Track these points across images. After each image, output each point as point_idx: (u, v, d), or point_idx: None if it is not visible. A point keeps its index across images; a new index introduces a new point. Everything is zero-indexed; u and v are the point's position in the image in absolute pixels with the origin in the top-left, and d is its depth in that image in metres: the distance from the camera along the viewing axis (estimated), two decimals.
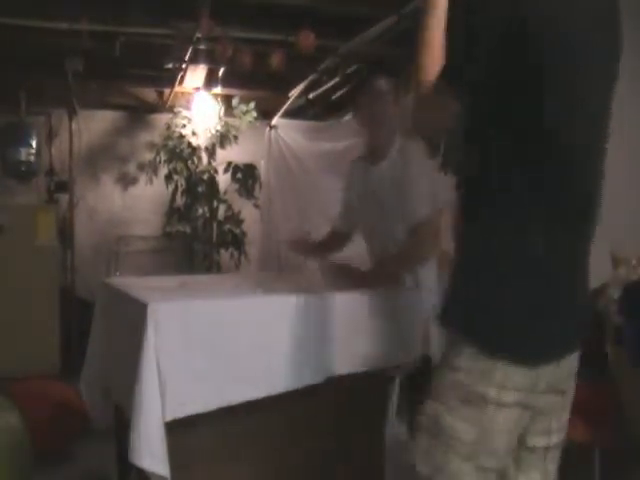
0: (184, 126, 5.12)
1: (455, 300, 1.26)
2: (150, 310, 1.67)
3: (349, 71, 4.39)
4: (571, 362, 1.28)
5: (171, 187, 5.05)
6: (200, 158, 5.14)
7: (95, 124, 5.50)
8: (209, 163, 5.14)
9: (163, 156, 5.03)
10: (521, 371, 1.17)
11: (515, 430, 1.22)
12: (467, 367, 1.19)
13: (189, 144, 5.09)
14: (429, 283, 2.40)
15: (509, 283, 1.19)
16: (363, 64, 3.15)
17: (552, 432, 1.30)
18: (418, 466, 1.23)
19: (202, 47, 4.10)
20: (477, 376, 1.18)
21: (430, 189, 2.22)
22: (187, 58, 4.24)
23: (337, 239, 2.65)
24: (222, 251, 5.16)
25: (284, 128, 5.18)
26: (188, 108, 5.17)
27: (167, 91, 5.26)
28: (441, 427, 1.21)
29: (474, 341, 1.19)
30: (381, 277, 2.28)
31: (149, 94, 5.44)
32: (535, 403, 1.22)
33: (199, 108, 5.10)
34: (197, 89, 5.03)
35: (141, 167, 5.49)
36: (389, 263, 2.33)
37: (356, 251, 2.65)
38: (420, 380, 2.35)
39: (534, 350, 1.20)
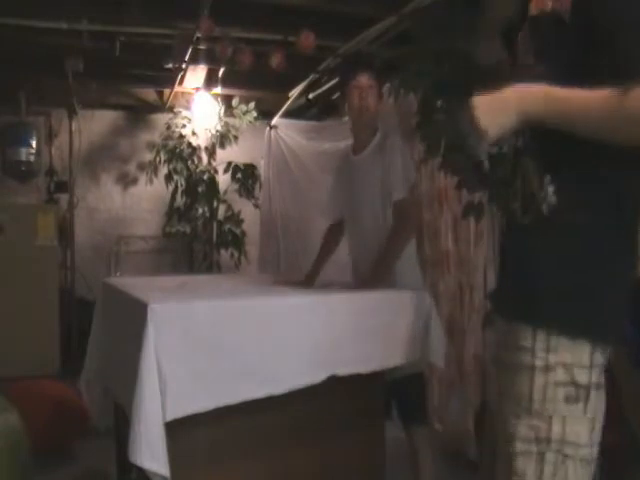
0: (184, 126, 5.12)
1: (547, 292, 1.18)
2: (150, 310, 1.67)
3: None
4: None
5: (171, 187, 5.06)
6: (200, 158, 5.14)
7: (95, 124, 5.50)
8: (209, 163, 5.14)
9: (163, 156, 5.03)
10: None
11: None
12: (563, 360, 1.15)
13: (189, 144, 5.10)
14: (414, 284, 2.44)
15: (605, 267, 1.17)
16: (348, 60, 3.17)
17: None
18: None
19: (202, 47, 4.09)
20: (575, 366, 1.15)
21: (406, 173, 2.40)
22: (187, 58, 4.24)
23: (335, 230, 2.70)
24: (222, 251, 5.16)
25: (284, 128, 5.18)
26: (188, 108, 5.18)
27: (167, 91, 5.26)
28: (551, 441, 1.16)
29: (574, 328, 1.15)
30: (383, 271, 2.31)
31: (149, 94, 5.44)
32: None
33: (199, 108, 5.10)
34: (197, 89, 5.03)
35: (141, 167, 5.49)
36: (385, 253, 2.34)
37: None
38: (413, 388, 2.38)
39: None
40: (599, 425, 1.19)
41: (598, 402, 1.17)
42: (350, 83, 2.46)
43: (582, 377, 1.15)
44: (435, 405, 3.30)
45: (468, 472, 2.85)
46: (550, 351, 1.15)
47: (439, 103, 2.57)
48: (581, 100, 1.08)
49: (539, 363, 1.15)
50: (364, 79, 2.44)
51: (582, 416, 1.15)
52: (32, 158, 4.88)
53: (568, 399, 1.15)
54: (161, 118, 5.45)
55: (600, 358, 1.17)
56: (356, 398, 2.13)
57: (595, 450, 1.19)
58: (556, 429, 1.14)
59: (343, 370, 1.99)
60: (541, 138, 1.17)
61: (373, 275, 2.31)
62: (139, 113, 5.65)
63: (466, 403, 3.11)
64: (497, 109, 1.15)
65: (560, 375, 1.15)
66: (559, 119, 1.10)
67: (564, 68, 1.15)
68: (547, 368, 1.15)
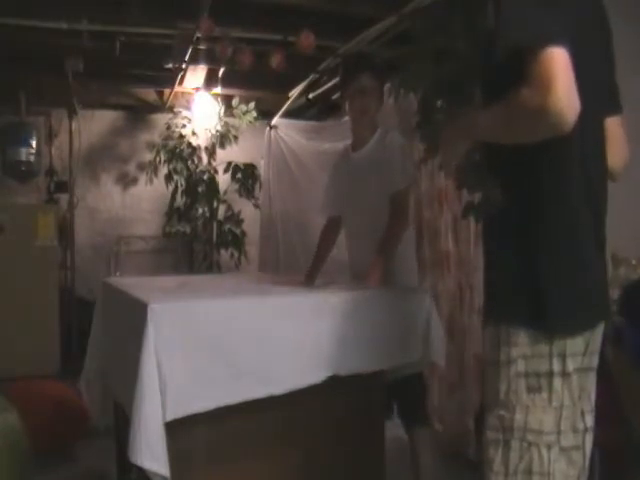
0: (184, 126, 5.12)
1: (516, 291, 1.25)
2: (150, 310, 1.67)
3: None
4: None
5: (171, 187, 5.06)
6: (200, 158, 5.14)
7: (95, 124, 5.50)
8: (209, 163, 5.14)
9: (163, 156, 5.03)
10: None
11: (579, 401, 1.24)
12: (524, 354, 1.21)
13: (189, 144, 5.09)
14: (411, 284, 2.47)
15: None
16: (349, 59, 3.17)
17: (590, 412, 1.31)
18: None
19: (202, 47, 4.09)
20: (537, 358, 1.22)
21: (404, 167, 2.43)
22: (187, 58, 4.24)
23: (332, 228, 2.70)
24: (222, 251, 5.16)
25: (284, 128, 5.18)
26: (188, 108, 5.17)
27: (167, 91, 5.26)
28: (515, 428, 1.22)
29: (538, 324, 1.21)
30: (382, 262, 2.32)
31: (149, 94, 5.44)
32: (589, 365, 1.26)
33: (199, 108, 5.10)
34: (197, 89, 5.03)
35: (141, 167, 5.49)
36: (383, 244, 2.35)
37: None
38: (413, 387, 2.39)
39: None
40: (572, 412, 1.23)
41: (566, 390, 1.22)
42: (351, 83, 2.47)
43: (542, 366, 1.21)
44: (435, 405, 3.30)
45: (468, 472, 2.85)
46: (511, 345, 1.23)
47: (439, 103, 2.57)
48: (488, 117, 1.22)
49: (503, 357, 1.24)
50: (365, 80, 2.44)
51: (547, 405, 1.21)
52: (32, 158, 4.88)
53: (530, 389, 1.22)
54: (161, 118, 5.45)
55: (564, 346, 1.21)
56: (356, 398, 2.13)
57: (571, 437, 1.23)
58: (519, 417, 1.22)
59: (343, 370, 1.99)
60: (487, 151, 1.33)
61: (372, 267, 2.30)
62: (139, 113, 5.65)
63: (466, 403, 3.11)
64: (450, 143, 1.40)
65: (520, 366, 1.22)
66: (485, 136, 1.27)
67: (486, 85, 1.35)
68: (509, 361, 1.23)
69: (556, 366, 1.21)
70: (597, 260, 1.28)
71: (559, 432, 1.22)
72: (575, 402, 1.24)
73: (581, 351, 1.24)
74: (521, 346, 1.22)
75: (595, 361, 1.31)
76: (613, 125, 1.38)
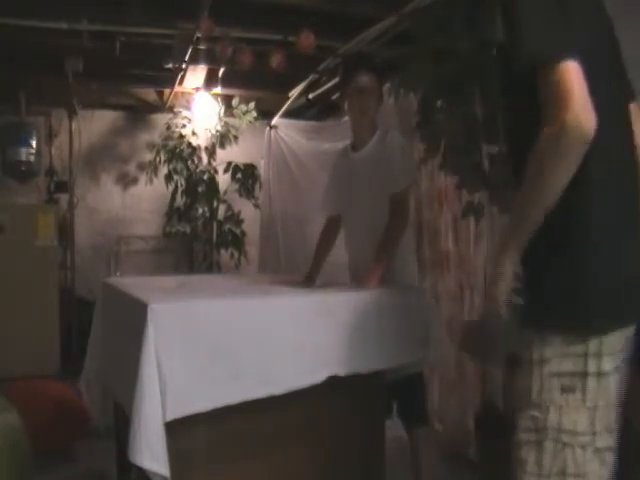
0: (184, 126, 5.12)
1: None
2: (150, 310, 1.67)
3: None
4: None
5: (171, 187, 5.05)
6: (200, 158, 5.14)
7: (95, 124, 5.50)
8: (209, 163, 5.14)
9: (163, 156, 5.03)
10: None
11: (613, 401, 1.23)
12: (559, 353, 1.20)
13: (189, 144, 5.09)
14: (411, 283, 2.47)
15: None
16: (349, 60, 3.18)
17: None
18: None
19: (202, 47, 4.09)
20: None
21: (405, 167, 2.45)
22: (187, 58, 4.24)
23: (331, 227, 2.70)
24: (222, 251, 5.15)
25: (284, 128, 5.18)
26: (188, 108, 5.17)
27: (167, 91, 5.25)
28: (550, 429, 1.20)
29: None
30: (383, 261, 2.33)
31: (149, 94, 5.44)
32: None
33: (199, 108, 5.10)
34: (197, 89, 5.03)
35: (141, 167, 5.49)
36: (384, 244, 2.35)
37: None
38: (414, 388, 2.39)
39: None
40: (606, 413, 1.22)
41: (601, 390, 1.20)
42: (350, 83, 2.47)
43: (576, 366, 1.19)
44: (435, 405, 3.30)
45: (468, 472, 2.85)
46: (545, 345, 1.21)
47: (439, 103, 2.57)
48: (523, 195, 1.19)
49: (536, 357, 1.22)
50: (365, 80, 2.44)
51: (580, 405, 1.19)
52: (32, 158, 4.88)
53: (564, 389, 1.20)
54: (161, 118, 5.45)
55: (599, 346, 1.19)
56: (356, 398, 2.13)
57: (605, 438, 1.22)
58: (553, 418, 1.20)
59: (343, 370, 1.99)
60: (519, 157, 1.25)
61: (372, 268, 2.30)
62: (139, 113, 5.65)
63: (466, 403, 3.11)
64: (492, 290, 1.25)
65: (555, 366, 1.20)
66: (528, 231, 1.20)
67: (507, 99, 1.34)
68: (542, 360, 1.21)
69: (591, 366, 1.20)
70: (632, 257, 1.26)
71: (594, 433, 1.21)
72: (609, 402, 1.23)
73: (615, 350, 1.23)
74: (556, 345, 1.20)
75: (623, 360, 1.29)
76: (635, 110, 1.39)
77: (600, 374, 1.20)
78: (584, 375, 1.19)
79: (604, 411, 1.22)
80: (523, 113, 1.24)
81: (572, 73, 1.10)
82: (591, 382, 1.19)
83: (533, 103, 1.16)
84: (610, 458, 1.24)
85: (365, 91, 2.44)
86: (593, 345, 1.19)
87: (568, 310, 1.21)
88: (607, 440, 1.23)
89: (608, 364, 1.21)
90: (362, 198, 2.49)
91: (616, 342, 1.22)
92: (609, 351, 1.20)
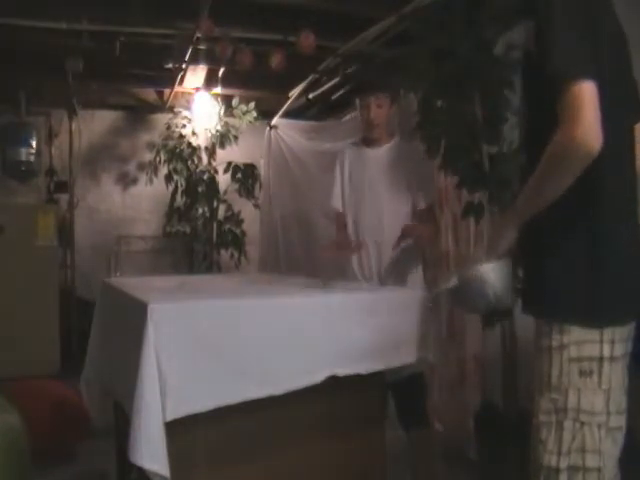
0: (184, 126, 5.12)
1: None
2: (150, 310, 1.67)
3: (349, 71, 4.39)
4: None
5: (171, 187, 5.06)
6: (200, 158, 5.14)
7: (95, 124, 5.50)
8: (209, 163, 5.14)
9: (163, 156, 5.03)
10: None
11: (622, 384, 1.36)
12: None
13: (189, 144, 5.09)
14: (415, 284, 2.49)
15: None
16: (364, 64, 3.21)
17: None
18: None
19: (202, 47, 4.10)
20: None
21: (429, 179, 2.62)
22: (187, 58, 4.24)
23: (344, 220, 2.66)
24: (222, 251, 5.15)
25: (284, 128, 5.18)
26: (188, 108, 5.17)
27: (167, 91, 5.26)
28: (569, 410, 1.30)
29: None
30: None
31: (149, 94, 5.45)
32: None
33: (199, 108, 5.10)
34: (197, 89, 5.03)
35: (141, 167, 5.50)
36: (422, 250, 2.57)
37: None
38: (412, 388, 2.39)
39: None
40: (618, 395, 1.34)
41: (614, 374, 1.32)
42: (364, 98, 2.51)
43: (593, 352, 1.30)
44: (435, 405, 3.30)
45: (468, 472, 2.85)
46: (564, 333, 1.32)
47: (439, 103, 2.57)
48: (530, 186, 1.33)
49: (555, 344, 1.33)
50: (376, 98, 2.49)
51: (597, 388, 1.31)
52: (32, 158, 4.89)
53: (582, 373, 1.31)
54: (161, 118, 5.46)
55: (613, 333, 1.31)
56: (356, 398, 2.13)
57: (617, 418, 1.34)
58: (572, 399, 1.30)
59: (343, 370, 1.98)
60: (533, 153, 1.36)
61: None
62: (139, 113, 5.65)
63: (466, 403, 3.11)
64: (495, 239, 1.46)
65: (573, 352, 1.31)
66: (536, 207, 1.34)
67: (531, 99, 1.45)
68: (561, 347, 1.32)
69: (606, 351, 1.30)
70: None
71: (608, 413, 1.31)
72: (620, 385, 1.34)
73: (625, 338, 1.35)
74: (573, 333, 1.31)
75: (630, 347, 1.41)
76: None
77: (612, 359, 1.31)
78: (600, 360, 1.30)
79: (616, 393, 1.33)
80: (543, 112, 1.32)
81: (587, 93, 1.20)
82: (606, 366, 1.30)
83: (553, 106, 1.25)
84: (620, 438, 1.36)
85: (376, 109, 2.50)
86: (607, 333, 1.30)
87: (586, 299, 1.31)
88: (619, 420, 1.34)
89: (618, 350, 1.32)
90: (377, 195, 2.50)
91: (625, 331, 1.34)
92: (620, 338, 1.32)
